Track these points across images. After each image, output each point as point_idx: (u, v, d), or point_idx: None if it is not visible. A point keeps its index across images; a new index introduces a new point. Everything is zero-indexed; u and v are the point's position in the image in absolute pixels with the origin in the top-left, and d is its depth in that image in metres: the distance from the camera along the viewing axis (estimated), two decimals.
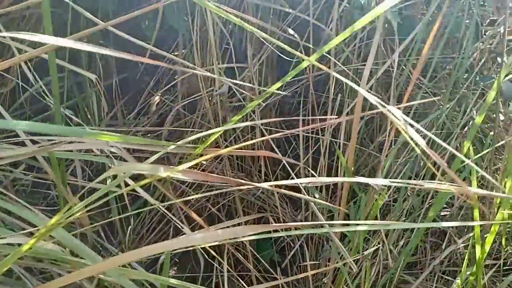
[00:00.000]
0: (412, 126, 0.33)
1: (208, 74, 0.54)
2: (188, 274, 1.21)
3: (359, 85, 1.16)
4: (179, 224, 0.57)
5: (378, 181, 0.71)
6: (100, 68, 1.12)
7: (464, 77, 1.22)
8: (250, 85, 1.08)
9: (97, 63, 1.11)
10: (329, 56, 1.03)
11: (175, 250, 0.39)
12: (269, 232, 0.49)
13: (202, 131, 0.74)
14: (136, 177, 0.49)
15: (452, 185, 0.52)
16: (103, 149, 0.59)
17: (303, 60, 0.41)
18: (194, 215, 0.45)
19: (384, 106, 0.33)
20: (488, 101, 0.78)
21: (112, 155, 0.59)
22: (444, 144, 0.33)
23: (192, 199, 1.19)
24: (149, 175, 0.34)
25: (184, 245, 0.33)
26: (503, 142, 1.12)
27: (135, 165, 0.35)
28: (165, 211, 0.58)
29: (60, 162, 0.72)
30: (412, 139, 0.32)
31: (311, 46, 1.04)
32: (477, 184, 1.16)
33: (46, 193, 1.15)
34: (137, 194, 0.67)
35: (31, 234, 0.52)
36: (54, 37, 0.45)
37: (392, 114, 0.32)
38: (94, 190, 0.44)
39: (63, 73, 1.04)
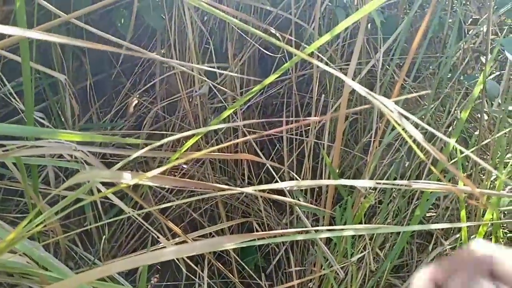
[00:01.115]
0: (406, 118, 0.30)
1: (188, 70, 0.51)
2: (169, 283, 1.17)
3: (343, 85, 1.13)
4: (156, 234, 0.53)
5: (365, 183, 0.68)
6: (73, 69, 1.08)
7: (448, 76, 1.21)
8: (239, 74, 1.04)
9: (70, 64, 1.06)
10: (317, 53, 1.01)
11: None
12: (253, 239, 0.46)
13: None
14: (112, 183, 0.46)
15: (439, 184, 0.50)
16: (75, 155, 0.55)
17: (293, 55, 0.37)
18: (171, 225, 0.41)
19: (375, 98, 0.30)
20: (473, 97, 0.76)
21: (83, 161, 0.55)
22: (443, 136, 0.31)
23: (173, 204, 1.15)
24: (117, 182, 0.30)
25: (157, 260, 0.30)
26: (487, 141, 1.11)
27: (101, 172, 0.32)
28: (141, 220, 0.54)
29: (32, 168, 0.67)
30: (406, 132, 0.29)
31: (293, 38, 1.01)
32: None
33: (19, 200, 1.09)
34: (113, 201, 0.63)
35: None
36: (22, 29, 0.41)
37: (385, 106, 0.29)
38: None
39: (32, 75, 0.98)
